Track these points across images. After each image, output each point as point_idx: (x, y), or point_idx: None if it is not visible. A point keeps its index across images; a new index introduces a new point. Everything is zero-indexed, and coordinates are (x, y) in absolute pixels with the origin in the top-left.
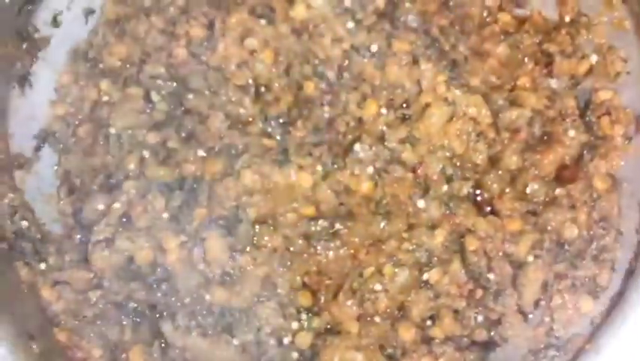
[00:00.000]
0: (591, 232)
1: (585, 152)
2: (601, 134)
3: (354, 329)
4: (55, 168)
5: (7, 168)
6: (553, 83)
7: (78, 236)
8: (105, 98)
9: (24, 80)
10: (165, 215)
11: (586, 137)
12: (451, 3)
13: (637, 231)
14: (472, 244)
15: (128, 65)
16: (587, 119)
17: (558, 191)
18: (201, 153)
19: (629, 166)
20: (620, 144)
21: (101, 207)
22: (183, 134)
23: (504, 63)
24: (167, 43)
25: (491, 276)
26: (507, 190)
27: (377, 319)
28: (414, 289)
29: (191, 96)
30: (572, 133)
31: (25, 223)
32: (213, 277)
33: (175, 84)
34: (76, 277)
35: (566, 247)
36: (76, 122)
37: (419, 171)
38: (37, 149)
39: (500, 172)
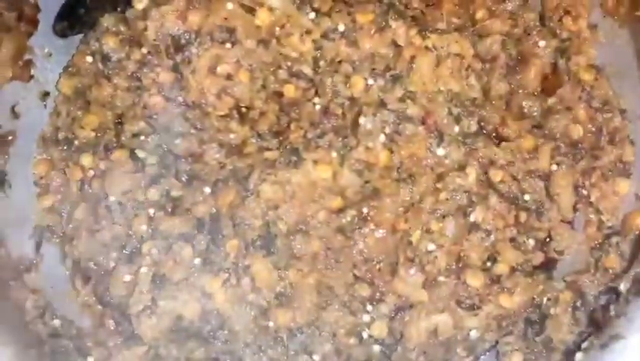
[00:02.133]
0: (597, 122)
1: (560, 56)
2: (567, 34)
3: (424, 296)
4: (63, 260)
5: (17, 274)
6: (508, 5)
7: (111, 321)
8: (91, 173)
9: (2, 182)
10: (197, 260)
11: (555, 41)
12: None
13: None
14: (497, 175)
15: (104, 133)
16: (550, 25)
17: (550, 100)
18: (207, 190)
19: (604, 50)
20: (589, 35)
21: (127, 278)
22: (184, 179)
23: (458, 3)
24: (138, 98)
25: (527, 196)
26: (506, 115)
27: (441, 278)
28: (465, 236)
29: (178, 140)
30: (542, 43)
31: (57, 322)
32: (269, 303)
33: (158, 134)
34: (130, 358)
35: (580, 145)
36: (69, 207)
37: (428, 121)
38: (37, 247)
39: (494, 102)
